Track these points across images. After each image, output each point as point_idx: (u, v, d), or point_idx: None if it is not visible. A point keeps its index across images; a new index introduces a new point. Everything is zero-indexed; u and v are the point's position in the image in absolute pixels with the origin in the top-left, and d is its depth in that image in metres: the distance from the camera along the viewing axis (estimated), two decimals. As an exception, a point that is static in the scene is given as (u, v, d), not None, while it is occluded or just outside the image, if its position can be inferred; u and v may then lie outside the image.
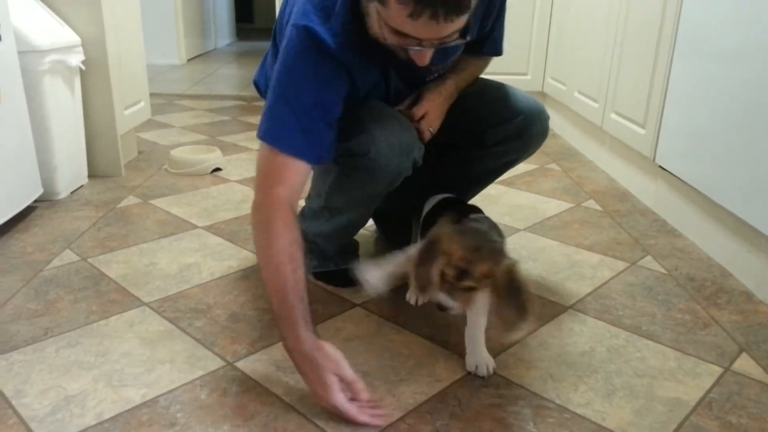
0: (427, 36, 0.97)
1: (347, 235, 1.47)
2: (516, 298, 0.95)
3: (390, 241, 1.67)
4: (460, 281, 0.97)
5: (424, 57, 1.04)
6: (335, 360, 1.00)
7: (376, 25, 1.02)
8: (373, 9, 1.00)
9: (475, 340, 1.13)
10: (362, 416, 0.98)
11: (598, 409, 1.04)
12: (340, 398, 0.98)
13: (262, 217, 1.07)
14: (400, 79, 1.27)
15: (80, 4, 2.01)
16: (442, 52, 1.15)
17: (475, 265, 0.96)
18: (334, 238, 1.43)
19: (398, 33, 0.98)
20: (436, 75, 1.31)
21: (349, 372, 1.00)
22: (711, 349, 1.22)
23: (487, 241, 1.02)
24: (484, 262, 0.96)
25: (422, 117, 1.28)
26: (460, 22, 0.95)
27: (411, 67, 1.09)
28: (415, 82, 1.31)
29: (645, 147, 2.00)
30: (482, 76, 1.44)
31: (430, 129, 1.30)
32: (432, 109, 1.29)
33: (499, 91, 1.41)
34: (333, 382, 0.98)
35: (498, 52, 1.40)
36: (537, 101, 1.40)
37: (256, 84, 1.47)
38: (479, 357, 1.12)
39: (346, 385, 0.99)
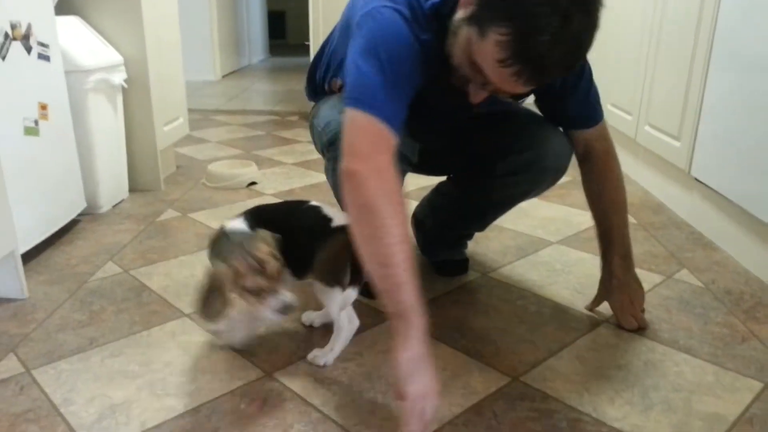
0: (503, 86, 0.93)
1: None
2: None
3: (438, 272, 1.60)
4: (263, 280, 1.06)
5: (480, 96, 1.01)
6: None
7: (458, 46, 0.97)
8: (465, 33, 0.95)
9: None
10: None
11: (636, 422, 1.03)
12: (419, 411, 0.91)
13: (368, 191, 0.95)
14: (443, 98, 1.17)
15: (124, 26, 2.08)
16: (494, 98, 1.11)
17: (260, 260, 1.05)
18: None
19: (476, 67, 0.94)
20: (473, 113, 1.24)
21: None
22: (750, 364, 1.20)
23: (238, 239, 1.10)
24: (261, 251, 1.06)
25: None
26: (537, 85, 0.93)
27: (456, 94, 1.06)
28: (454, 110, 1.26)
29: (680, 159, 1.98)
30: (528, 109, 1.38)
31: None
32: None
33: (522, 120, 1.34)
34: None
35: (566, 123, 1.30)
36: (559, 138, 1.32)
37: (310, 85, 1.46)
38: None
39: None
